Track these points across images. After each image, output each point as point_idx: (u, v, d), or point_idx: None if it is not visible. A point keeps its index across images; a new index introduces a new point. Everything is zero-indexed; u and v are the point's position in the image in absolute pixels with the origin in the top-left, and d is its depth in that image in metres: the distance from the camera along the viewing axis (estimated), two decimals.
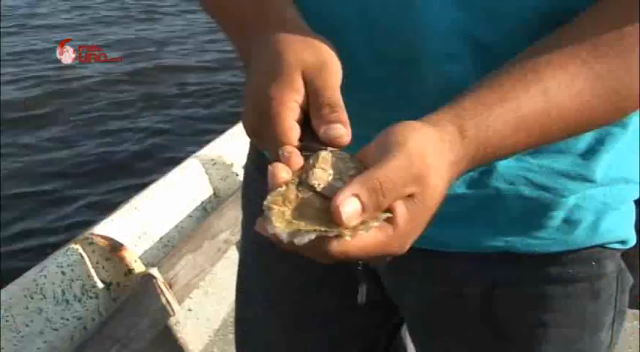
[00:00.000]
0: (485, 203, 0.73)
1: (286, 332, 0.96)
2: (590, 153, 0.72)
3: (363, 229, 0.48)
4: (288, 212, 0.49)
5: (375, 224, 0.49)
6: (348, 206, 0.48)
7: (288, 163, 0.53)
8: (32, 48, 6.81)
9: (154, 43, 7.21)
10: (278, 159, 0.54)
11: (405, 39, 0.66)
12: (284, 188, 0.51)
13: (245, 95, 0.61)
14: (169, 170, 2.13)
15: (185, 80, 6.09)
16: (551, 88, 0.57)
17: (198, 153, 2.23)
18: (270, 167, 0.52)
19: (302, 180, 0.52)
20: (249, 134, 0.61)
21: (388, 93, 0.70)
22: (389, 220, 0.50)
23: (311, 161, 0.53)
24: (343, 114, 0.56)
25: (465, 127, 0.54)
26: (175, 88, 5.91)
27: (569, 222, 0.74)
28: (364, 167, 0.53)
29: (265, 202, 0.49)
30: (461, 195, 0.73)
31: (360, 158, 0.54)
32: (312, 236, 0.47)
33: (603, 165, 0.73)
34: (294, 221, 0.48)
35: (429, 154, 0.51)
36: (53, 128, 5.02)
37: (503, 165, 0.71)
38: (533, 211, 0.73)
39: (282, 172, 0.52)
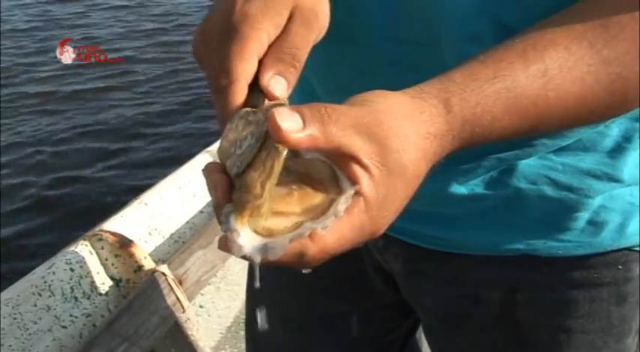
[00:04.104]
0: (506, 204, 0.70)
1: (296, 336, 0.93)
2: (617, 150, 0.68)
3: (331, 214, 0.44)
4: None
5: (343, 203, 0.45)
6: (286, 116, 0.43)
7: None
8: None
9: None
10: (219, 90, 0.50)
11: (427, 19, 0.62)
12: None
13: (211, 6, 0.55)
14: (181, 165, 2.10)
15: (197, 73, 6.07)
16: (552, 69, 0.52)
17: (209, 148, 2.20)
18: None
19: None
20: (194, 52, 0.55)
21: (406, 76, 0.66)
22: (357, 193, 0.45)
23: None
24: (295, 74, 0.52)
25: (450, 102, 0.49)
26: (186, 81, 5.89)
27: (595, 224, 0.70)
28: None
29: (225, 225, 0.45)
30: (479, 195, 0.70)
31: None
32: (286, 243, 0.43)
33: (630, 164, 0.70)
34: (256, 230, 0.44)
35: (391, 118, 0.46)
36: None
37: (524, 164, 0.68)
38: (557, 212, 0.70)
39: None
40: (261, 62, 0.51)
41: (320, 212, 0.45)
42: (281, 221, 0.45)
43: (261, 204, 0.45)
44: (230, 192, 0.46)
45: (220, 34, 0.52)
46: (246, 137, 0.47)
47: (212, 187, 0.47)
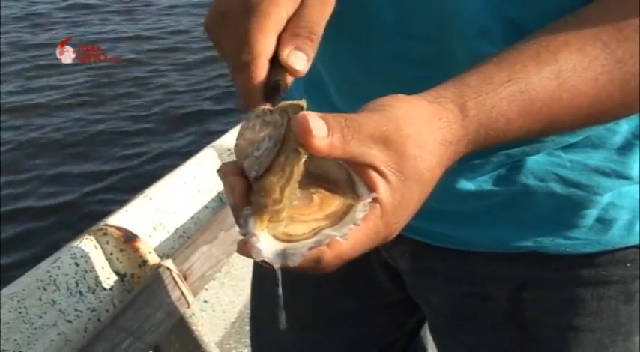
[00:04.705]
0: (513, 200, 0.69)
1: (301, 333, 0.93)
2: (627, 148, 0.68)
3: (350, 222, 0.44)
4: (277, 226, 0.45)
5: (362, 211, 0.45)
6: (316, 121, 0.43)
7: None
8: None
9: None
10: (241, 66, 0.51)
11: (438, 15, 0.62)
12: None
13: None
14: (185, 160, 2.10)
15: (201, 70, 6.07)
16: (566, 71, 0.52)
17: (214, 143, 2.20)
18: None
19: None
20: (207, 29, 0.56)
21: (414, 72, 0.66)
22: (374, 200, 0.46)
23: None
24: (314, 48, 0.53)
25: (466, 106, 0.50)
26: (190, 78, 5.88)
27: (603, 222, 0.70)
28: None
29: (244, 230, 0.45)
30: (487, 192, 0.69)
31: None
32: (305, 250, 0.43)
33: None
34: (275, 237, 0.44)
35: (409, 125, 0.47)
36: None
37: (532, 161, 0.67)
38: (565, 210, 0.69)
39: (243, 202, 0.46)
40: (279, 38, 0.52)
41: (337, 217, 0.46)
42: (299, 226, 0.45)
43: (281, 209, 0.45)
44: (248, 194, 0.46)
45: (239, 11, 0.53)
46: (264, 139, 0.47)
47: (229, 190, 0.47)
